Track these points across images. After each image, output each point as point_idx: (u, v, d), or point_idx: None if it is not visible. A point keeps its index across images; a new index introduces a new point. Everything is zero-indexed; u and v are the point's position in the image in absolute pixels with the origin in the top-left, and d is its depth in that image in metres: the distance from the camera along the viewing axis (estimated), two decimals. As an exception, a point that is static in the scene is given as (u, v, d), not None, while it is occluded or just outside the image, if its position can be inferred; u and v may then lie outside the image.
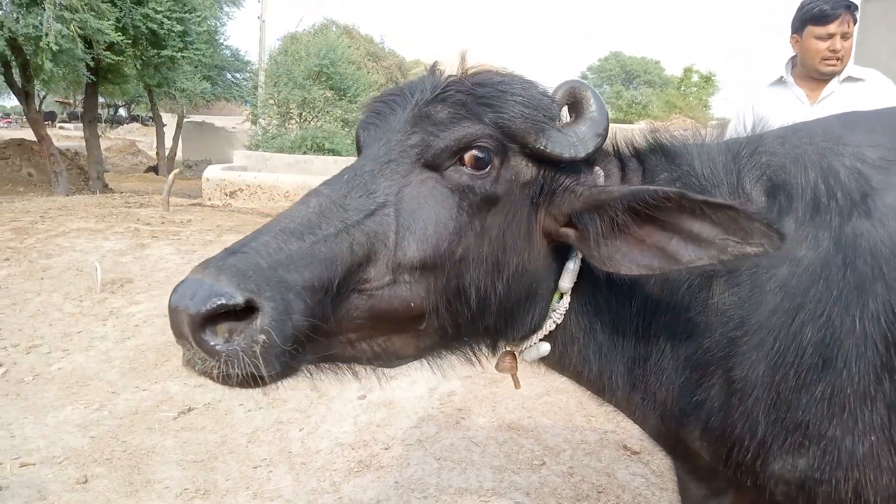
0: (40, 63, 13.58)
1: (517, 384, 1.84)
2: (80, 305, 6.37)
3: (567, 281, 1.55)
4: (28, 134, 18.43)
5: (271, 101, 18.89)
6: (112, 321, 6.01)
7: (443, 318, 1.44)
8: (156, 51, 17.35)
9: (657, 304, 1.55)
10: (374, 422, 4.34)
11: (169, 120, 27.15)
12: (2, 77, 16.55)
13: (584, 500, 3.55)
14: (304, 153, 16.66)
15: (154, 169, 24.72)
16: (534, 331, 1.60)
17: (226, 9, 22.51)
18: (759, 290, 1.44)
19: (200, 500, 3.48)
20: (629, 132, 1.73)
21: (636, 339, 1.59)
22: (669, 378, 1.56)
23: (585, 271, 1.54)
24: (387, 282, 1.36)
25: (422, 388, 4.80)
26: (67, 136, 32.81)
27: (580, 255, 1.52)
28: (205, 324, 1.18)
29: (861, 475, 1.33)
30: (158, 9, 16.40)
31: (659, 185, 1.52)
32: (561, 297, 1.57)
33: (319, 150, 17.10)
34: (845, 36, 3.76)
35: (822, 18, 3.74)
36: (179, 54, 17.64)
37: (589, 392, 1.79)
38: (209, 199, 13.49)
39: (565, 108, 1.57)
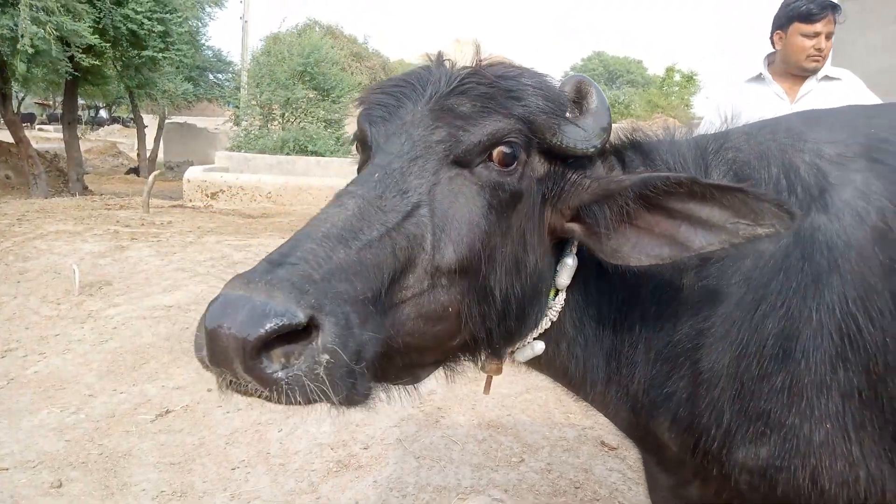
0: (16, 65, 13.40)
1: (489, 388, 1.84)
2: (58, 308, 6.30)
3: (564, 277, 1.54)
4: (6, 136, 18.19)
5: (254, 102, 18.82)
6: (90, 324, 5.95)
7: (475, 323, 1.38)
8: (136, 52, 17.19)
9: (635, 297, 1.58)
10: (354, 422, 4.33)
11: (150, 121, 26.93)
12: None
13: (562, 495, 3.57)
14: (287, 154, 16.61)
15: (135, 171, 24.49)
16: (530, 329, 1.58)
17: (207, 9, 22.35)
18: (726, 283, 1.46)
19: (177, 502, 3.45)
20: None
21: (614, 332, 1.61)
22: (642, 371, 1.58)
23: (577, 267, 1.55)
24: (426, 287, 1.29)
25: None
26: (47, 137, 32.40)
27: (575, 251, 1.54)
28: (261, 350, 1.05)
29: (817, 462, 1.35)
30: (139, 9, 16.25)
31: None
32: (556, 294, 1.57)
33: (302, 151, 17.05)
34: (829, 35, 3.86)
35: (809, 17, 3.83)
36: (160, 55, 17.48)
37: (566, 389, 1.80)
38: (190, 200, 13.40)
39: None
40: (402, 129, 1.41)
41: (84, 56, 15.12)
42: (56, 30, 13.39)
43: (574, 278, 1.55)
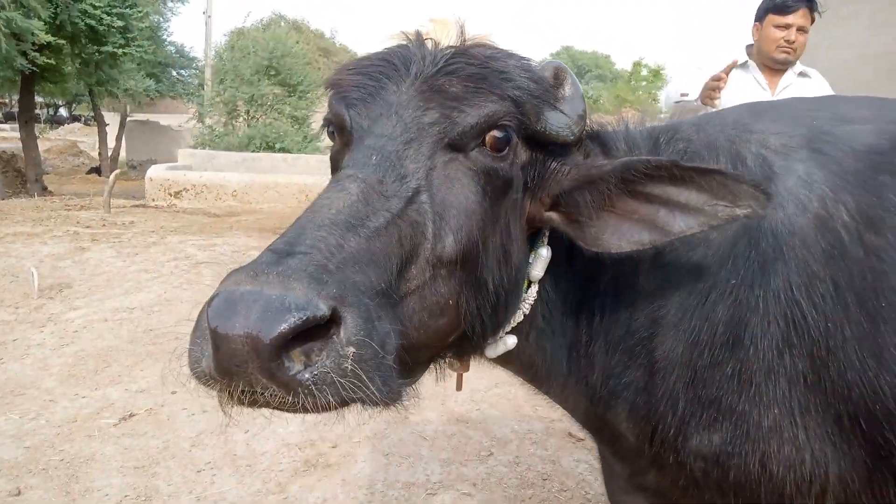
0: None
1: (461, 385, 1.81)
2: (16, 312, 6.14)
3: (539, 269, 1.53)
4: (-41, 135, 17.63)
5: (218, 99, 18.55)
6: (50, 327, 5.81)
7: (473, 316, 1.34)
8: (95, 48, 16.80)
9: (594, 288, 1.59)
10: (321, 420, 4.30)
11: (111, 119, 26.31)
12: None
13: (530, 487, 3.60)
14: (253, 151, 16.41)
15: (96, 170, 23.93)
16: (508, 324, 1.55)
17: (169, 4, 21.97)
18: (678, 272, 1.49)
19: (141, 506, 3.40)
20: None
21: (576, 324, 1.62)
22: (601, 361, 1.59)
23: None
24: (427, 278, 1.24)
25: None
26: (3, 137, 31.44)
27: (546, 242, 1.53)
28: (281, 349, 0.95)
29: (766, 447, 1.38)
30: (97, 4, 15.88)
31: None
32: (529, 286, 1.55)
33: (269, 148, 16.87)
34: (802, 29, 3.95)
35: (782, 8, 3.92)
36: (121, 51, 17.11)
37: (528, 383, 1.80)
38: (153, 199, 13.17)
39: None
40: (390, 111, 1.34)
41: (39, 54, 14.71)
42: (6, 26, 12.99)
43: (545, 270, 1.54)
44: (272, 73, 18.34)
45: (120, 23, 16.48)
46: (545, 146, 1.46)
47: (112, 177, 12.38)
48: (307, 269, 1.01)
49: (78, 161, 28.30)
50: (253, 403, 1.03)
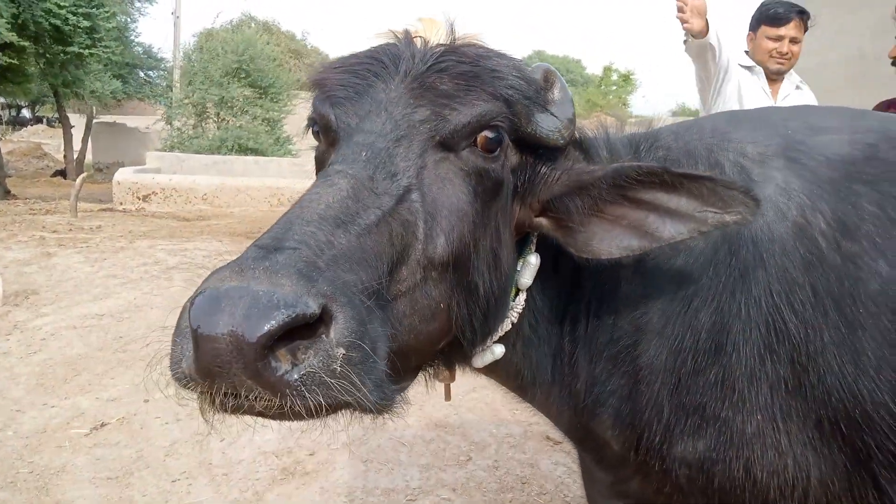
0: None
1: (449, 395, 1.79)
2: (-20, 320, 5.97)
3: (527, 277, 1.51)
4: (-83, 137, 17.09)
5: (187, 101, 18.29)
6: (16, 335, 5.66)
7: (464, 321, 1.31)
8: (61, 48, 16.46)
9: (577, 295, 1.59)
10: (299, 428, 4.27)
11: (77, 121, 25.74)
12: None
13: (509, 491, 3.61)
14: (225, 154, 16.22)
15: (62, 173, 23.39)
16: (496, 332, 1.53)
17: (137, 4, 21.62)
18: (660, 279, 1.50)
19: (115, 518, 3.33)
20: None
21: (560, 331, 1.62)
22: (585, 369, 1.59)
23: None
24: (418, 280, 1.20)
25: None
26: (-37, 138, 30.59)
27: (535, 249, 1.52)
28: (268, 349, 0.90)
29: (750, 453, 1.39)
30: (62, 4, 15.54)
31: None
32: (516, 294, 1.53)
33: (242, 150, 16.69)
34: (794, 40, 4.04)
35: (775, 20, 4.01)
36: (87, 51, 16.79)
37: (512, 392, 1.78)
38: (121, 203, 12.92)
39: None
40: (379, 108, 1.30)
41: (1, 53, 14.35)
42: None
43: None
44: (242, 74, 18.15)
45: (86, 23, 16.18)
46: (535, 150, 1.44)
47: (79, 180, 12.12)
48: (296, 265, 0.97)
49: (42, 164, 27.63)
50: (236, 409, 0.97)
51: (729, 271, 1.43)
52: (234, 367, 0.89)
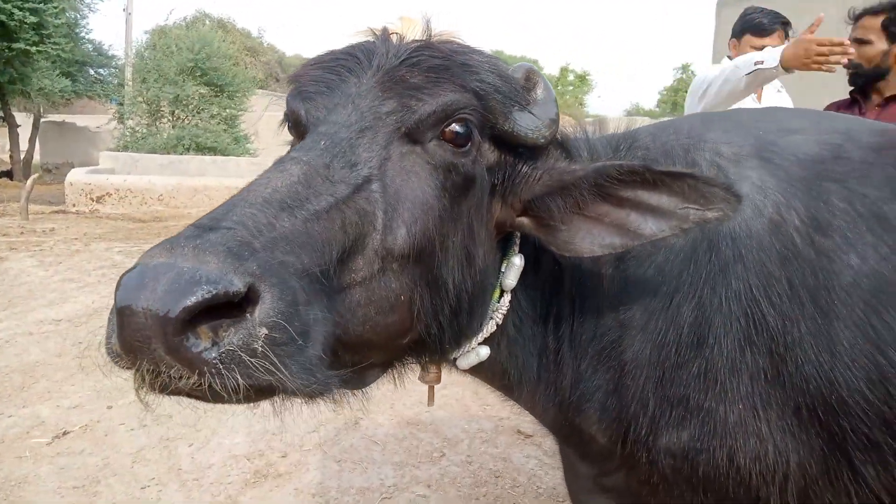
0: None
1: (433, 399, 1.79)
2: (-72, 328, 5.73)
3: (511, 278, 1.51)
4: None
5: (140, 99, 17.84)
6: (-33, 343, 5.45)
7: (428, 316, 1.31)
8: (6, 44, 15.87)
9: (559, 294, 1.61)
10: (269, 430, 4.22)
11: (24, 120, 24.79)
12: None
13: (483, 486, 3.65)
14: (181, 154, 15.87)
15: (8, 174, 22.49)
16: (473, 334, 1.53)
17: (87, 0, 20.95)
18: (642, 276, 1.53)
19: (82, 528, 3.25)
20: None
21: (545, 330, 1.63)
22: (570, 366, 1.61)
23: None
24: (376, 270, 1.19)
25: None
26: None
27: (518, 250, 1.53)
28: (186, 325, 0.89)
29: (733, 441, 1.43)
30: (7, -2, 15.01)
31: None
32: (501, 295, 1.53)
33: (199, 149, 16.35)
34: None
35: (760, 31, 4.11)
36: (34, 48, 16.23)
37: (498, 391, 1.80)
38: (74, 205, 12.53)
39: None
40: (347, 101, 1.31)
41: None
42: None
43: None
44: (198, 72, 17.78)
45: (33, 18, 15.64)
46: (515, 149, 1.45)
47: (29, 182, 11.71)
48: (227, 244, 0.96)
49: (-14, 165, 26.56)
50: (164, 388, 0.96)
51: (709, 267, 1.47)
52: (154, 343, 0.89)
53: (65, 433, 4.10)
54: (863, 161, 1.53)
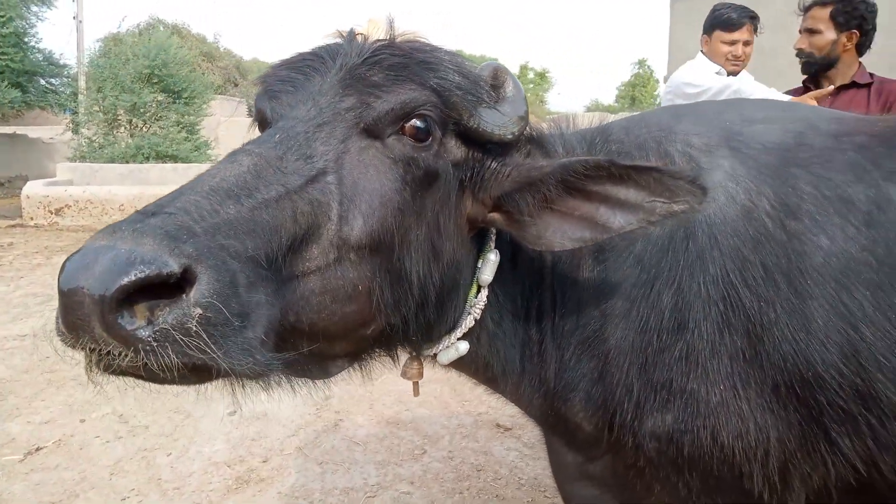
0: None
1: (418, 391, 1.81)
2: None
3: (487, 273, 1.54)
4: None
5: (96, 108, 17.39)
6: (-72, 363, 5.29)
7: (389, 307, 1.33)
8: (-50, 55, 15.31)
9: (540, 286, 1.65)
10: (249, 436, 4.20)
11: (-28, 133, 24.02)
12: None
13: (465, 480, 3.69)
14: (141, 162, 15.55)
15: (-42, 189, 21.76)
16: (450, 329, 1.57)
17: (34, 8, 20.32)
18: (622, 266, 1.57)
19: (62, 543, 3.20)
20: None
21: (527, 322, 1.66)
22: (554, 357, 1.64)
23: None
24: (331, 260, 1.22)
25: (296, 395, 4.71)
26: None
27: (494, 245, 1.55)
28: (121, 304, 0.92)
29: (716, 421, 1.47)
30: (-50, 8, 14.48)
31: None
32: (478, 291, 1.56)
33: (159, 157, 16.03)
34: (747, 43, 4.31)
35: (729, 25, 4.27)
36: (-20, 59, 15.68)
37: (480, 384, 1.84)
38: (31, 218, 12.17)
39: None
40: (308, 98, 1.34)
41: None
42: None
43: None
44: (155, 79, 17.42)
45: (-21, 29, 15.11)
46: (483, 145, 1.48)
47: (-18, 196, 11.34)
48: (165, 227, 0.99)
49: (-67, 180, 25.59)
50: (108, 367, 1.00)
51: (687, 254, 1.51)
52: (93, 321, 0.93)
53: (38, 449, 4.01)
54: (824, 147, 1.59)
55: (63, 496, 3.53)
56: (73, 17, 22.99)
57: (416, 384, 1.77)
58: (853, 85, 4.15)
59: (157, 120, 17.42)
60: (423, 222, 1.37)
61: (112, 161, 15.56)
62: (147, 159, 15.81)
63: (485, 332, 1.63)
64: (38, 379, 5.00)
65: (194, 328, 0.96)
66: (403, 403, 4.60)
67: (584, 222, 1.42)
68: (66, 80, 22.85)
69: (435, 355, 1.62)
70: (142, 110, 17.20)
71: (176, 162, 15.81)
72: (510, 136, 1.47)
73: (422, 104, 1.35)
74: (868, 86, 4.15)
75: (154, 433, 4.22)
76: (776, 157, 1.58)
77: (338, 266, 1.23)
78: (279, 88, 1.40)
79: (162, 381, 1.04)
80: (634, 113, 2.27)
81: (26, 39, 19.79)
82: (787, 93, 4.38)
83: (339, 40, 1.46)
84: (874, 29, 4.03)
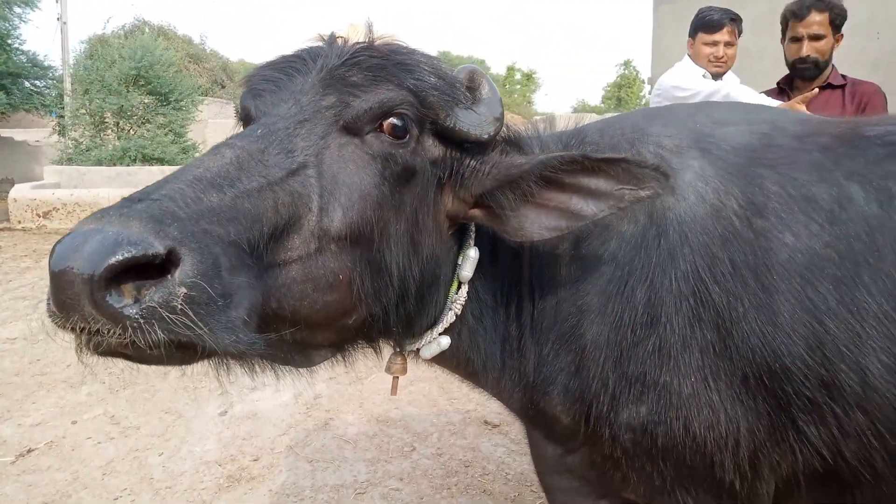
0: None
1: (396, 389, 1.86)
2: None
3: (468, 270, 1.59)
4: None
5: (82, 111, 17.30)
6: (-83, 367, 5.29)
7: (370, 297, 1.39)
8: (-67, 58, 15.17)
9: (519, 282, 1.70)
10: (240, 435, 4.25)
11: (-44, 136, 23.80)
12: None
13: (454, 475, 3.76)
14: (128, 165, 15.50)
15: (-58, 192, 21.57)
16: (431, 325, 1.62)
17: (16, 10, 20.19)
18: (597, 262, 1.63)
19: (56, 543, 3.24)
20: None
21: (506, 318, 1.72)
22: (533, 351, 1.70)
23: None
24: (313, 250, 1.27)
25: (286, 395, 4.77)
26: None
27: (473, 243, 1.61)
28: (109, 283, 0.96)
29: (688, 412, 1.52)
30: (-67, 10, 14.36)
31: None
32: (459, 287, 1.61)
33: (146, 160, 15.98)
34: (729, 44, 4.37)
35: (709, 27, 4.34)
36: (-36, 62, 15.55)
37: (464, 379, 1.89)
38: (19, 221, 12.12)
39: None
40: (290, 96, 1.40)
41: None
42: None
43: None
44: (141, 82, 17.36)
45: (-38, 31, 14.99)
46: (461, 145, 1.54)
47: (-32, 199, 11.29)
48: (151, 212, 1.04)
49: (-83, 183, 25.33)
50: (97, 347, 1.04)
51: (658, 251, 1.57)
52: (82, 299, 0.97)
53: (29, 451, 4.04)
54: (790, 148, 1.65)
55: (55, 497, 3.56)
56: (57, 19, 22.79)
57: (395, 381, 1.82)
58: (828, 86, 4.25)
59: (145, 122, 17.35)
60: (402, 216, 1.43)
61: (99, 163, 15.49)
62: (134, 161, 15.75)
63: (466, 328, 1.69)
64: (28, 381, 5.02)
65: (180, 306, 1.00)
66: (393, 402, 4.67)
67: (560, 212, 1.50)
68: (51, 82, 22.69)
69: (418, 350, 1.67)
70: (129, 113, 17.13)
71: (163, 164, 15.76)
72: (486, 136, 1.54)
73: (399, 103, 1.41)
74: (842, 87, 4.26)
75: (145, 433, 4.26)
76: (744, 158, 1.64)
77: (319, 256, 1.28)
78: (263, 87, 1.46)
79: (149, 361, 1.09)
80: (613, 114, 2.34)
81: (10, 41, 19.68)
82: (762, 94, 4.47)
83: (320, 43, 1.53)
84: None
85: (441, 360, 1.75)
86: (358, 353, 1.64)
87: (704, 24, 4.38)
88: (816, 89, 4.03)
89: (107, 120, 17.36)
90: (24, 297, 7.05)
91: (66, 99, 19.09)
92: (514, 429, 4.19)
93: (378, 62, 1.44)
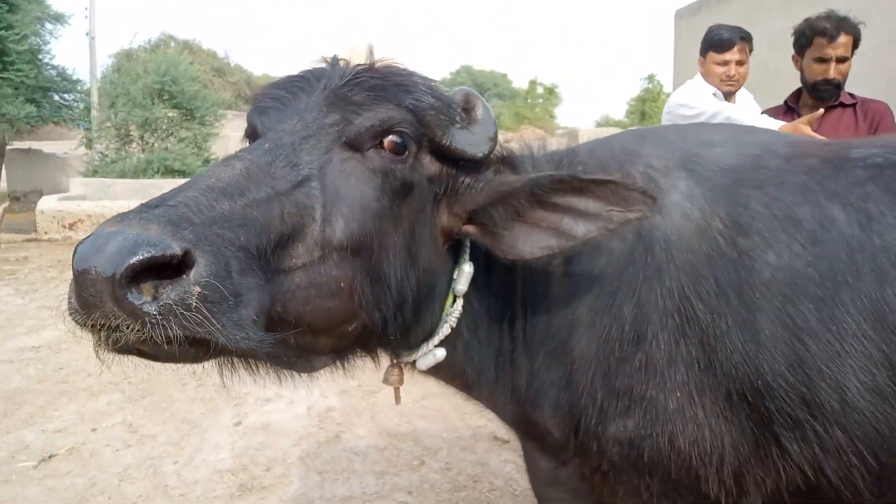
0: None
1: (399, 399, 1.92)
2: None
3: (463, 284, 1.65)
4: None
5: (108, 124, 17.70)
6: (-55, 373, 5.47)
7: (370, 305, 1.44)
8: (-32, 73, 15.66)
9: (512, 297, 1.75)
10: (252, 446, 4.34)
11: (-12, 148, 24.41)
12: None
13: (462, 490, 3.81)
14: (151, 177, 15.81)
15: (-27, 203, 22.10)
16: (428, 337, 1.68)
17: (48, 26, 20.76)
18: (587, 279, 1.68)
19: (73, 547, 3.33)
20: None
21: (500, 331, 1.77)
22: (525, 365, 1.75)
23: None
24: (316, 258, 1.33)
25: (300, 407, 4.86)
26: None
27: (468, 257, 1.68)
28: (130, 281, 1.03)
29: (673, 427, 1.56)
30: (-32, 27, 14.84)
31: None
32: (454, 300, 1.66)
33: (168, 172, 16.28)
34: (740, 63, 4.37)
35: (720, 46, 4.35)
36: (-3, 76, 16.03)
37: (459, 391, 1.93)
38: (46, 232, 12.42)
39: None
40: (295, 114, 1.48)
41: None
42: None
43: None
44: (166, 96, 17.74)
45: (-5, 46, 15.46)
46: (456, 162, 1.60)
47: (0, 210, 11.61)
48: (168, 216, 1.10)
49: (-51, 194, 26.02)
50: (116, 344, 1.09)
51: (645, 268, 1.62)
52: (104, 297, 1.02)
53: (51, 456, 4.16)
54: (778, 169, 1.69)
55: (74, 501, 3.67)
56: (86, 34, 23.40)
57: (397, 391, 1.88)
58: (839, 105, 4.25)
59: (169, 136, 17.69)
60: (401, 229, 1.49)
61: (123, 176, 15.82)
62: (157, 174, 16.05)
63: (461, 341, 1.75)
64: (51, 389, 5.17)
65: (194, 304, 1.06)
66: (404, 416, 4.73)
67: (551, 231, 1.55)
68: (79, 95, 23.23)
69: (414, 362, 1.72)
70: (153, 126, 17.48)
71: (185, 177, 16.04)
72: (481, 155, 1.61)
73: (399, 122, 1.48)
74: (853, 106, 4.26)
75: (162, 442, 4.37)
76: (731, 179, 1.68)
77: (322, 264, 1.34)
78: (269, 105, 1.54)
79: (163, 358, 1.16)
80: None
81: (40, 56, 20.20)
82: (769, 111, 4.47)
83: (323, 65, 1.61)
84: None
85: (437, 371, 1.80)
86: (357, 361, 1.70)
87: (714, 43, 4.38)
88: (822, 110, 3.98)
89: (132, 133, 17.74)
90: (49, 306, 7.23)
91: (93, 112, 19.53)
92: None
93: (378, 82, 1.52)
